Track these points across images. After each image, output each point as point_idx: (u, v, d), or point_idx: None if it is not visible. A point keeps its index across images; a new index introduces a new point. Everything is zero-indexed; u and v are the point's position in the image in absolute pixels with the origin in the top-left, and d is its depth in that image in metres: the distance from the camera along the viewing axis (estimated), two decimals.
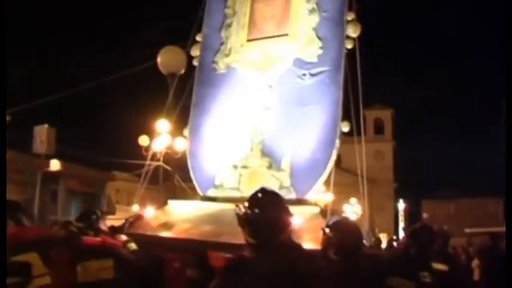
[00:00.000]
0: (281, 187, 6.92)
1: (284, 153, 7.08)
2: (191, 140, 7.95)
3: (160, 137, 11.49)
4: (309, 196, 6.84)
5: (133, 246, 6.43)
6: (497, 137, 45.35)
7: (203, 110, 7.96)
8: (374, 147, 67.99)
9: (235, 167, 7.35)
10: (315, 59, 7.34)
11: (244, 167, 7.29)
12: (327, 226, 4.31)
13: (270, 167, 7.12)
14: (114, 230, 7.68)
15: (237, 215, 3.16)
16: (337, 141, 6.90)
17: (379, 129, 70.41)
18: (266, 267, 2.96)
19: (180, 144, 11.78)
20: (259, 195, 3.24)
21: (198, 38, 8.49)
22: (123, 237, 6.86)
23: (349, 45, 7.31)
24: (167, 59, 9.50)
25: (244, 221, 3.13)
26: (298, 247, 3.23)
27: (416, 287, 5.96)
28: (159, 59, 9.61)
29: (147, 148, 9.08)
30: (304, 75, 7.31)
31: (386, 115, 70.47)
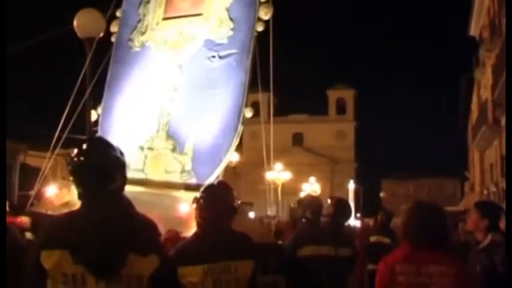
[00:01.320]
0: (183, 171, 6.85)
1: (188, 137, 6.96)
2: (103, 118, 7.79)
3: None
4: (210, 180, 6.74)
5: (27, 235, 6.38)
6: (458, 119, 45.73)
7: (116, 88, 7.80)
8: (336, 127, 69.22)
9: (141, 148, 7.22)
10: (225, 41, 7.18)
11: (150, 148, 7.17)
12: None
13: (173, 149, 7.00)
14: (17, 209, 7.59)
15: (68, 165, 3.06)
16: (240, 127, 6.76)
17: (341, 109, 71.07)
18: (96, 212, 2.91)
19: None
20: (86, 143, 3.15)
21: (118, 13, 8.30)
22: (24, 219, 6.76)
23: (260, 28, 7.14)
24: (84, 22, 8.77)
25: (72, 170, 3.02)
26: (129, 202, 3.15)
27: (335, 252, 6.09)
28: (75, 23, 8.86)
29: (96, 123, 8.77)
30: (213, 57, 7.16)
31: (348, 95, 71.00)
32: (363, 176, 66.90)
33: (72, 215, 3.01)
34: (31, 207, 7.12)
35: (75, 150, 3.04)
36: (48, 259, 2.81)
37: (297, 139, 67.55)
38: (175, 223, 5.61)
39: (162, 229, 4.48)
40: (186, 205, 5.86)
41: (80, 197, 3.00)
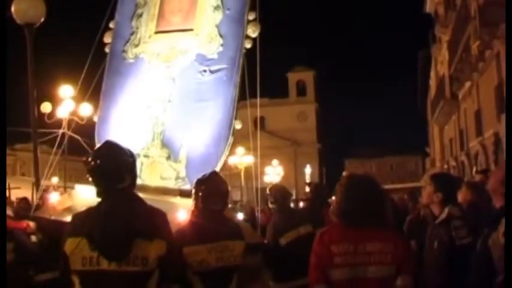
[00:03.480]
0: (177, 177, 7.47)
1: (181, 146, 7.56)
2: (99, 127, 8.28)
3: (64, 103, 11.19)
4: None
5: (33, 238, 6.90)
6: (416, 97, 46.79)
7: (112, 98, 8.29)
8: (297, 109, 69.99)
9: (138, 155, 7.71)
10: (215, 56, 7.75)
11: (146, 156, 7.74)
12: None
13: (168, 157, 7.60)
14: (21, 215, 8.09)
15: (85, 166, 3.66)
16: (231, 138, 7.39)
17: (301, 91, 71.69)
18: (105, 206, 3.54)
19: (85, 111, 11.37)
20: (101, 148, 3.83)
21: (111, 25, 8.74)
22: (30, 224, 7.26)
23: (248, 45, 7.74)
24: (23, 7, 8.62)
25: (89, 171, 3.65)
26: (137, 197, 3.78)
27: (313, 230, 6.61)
28: (13, 8, 8.64)
29: (50, 115, 9.02)
30: (204, 71, 7.72)
31: (308, 77, 71.66)
32: (325, 156, 68.07)
33: (91, 209, 3.65)
34: (35, 212, 7.64)
35: (92, 154, 3.70)
36: (71, 245, 3.46)
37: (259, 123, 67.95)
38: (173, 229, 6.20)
39: None
40: (183, 212, 6.46)
41: (98, 194, 3.64)
